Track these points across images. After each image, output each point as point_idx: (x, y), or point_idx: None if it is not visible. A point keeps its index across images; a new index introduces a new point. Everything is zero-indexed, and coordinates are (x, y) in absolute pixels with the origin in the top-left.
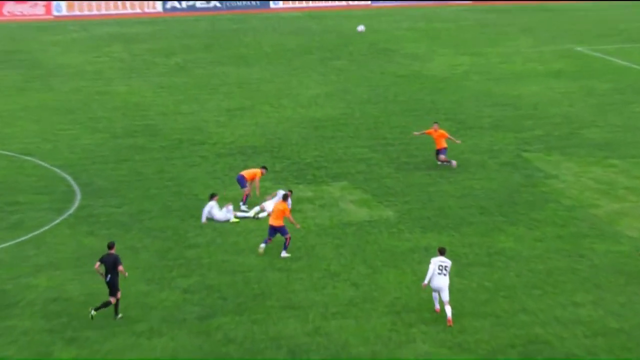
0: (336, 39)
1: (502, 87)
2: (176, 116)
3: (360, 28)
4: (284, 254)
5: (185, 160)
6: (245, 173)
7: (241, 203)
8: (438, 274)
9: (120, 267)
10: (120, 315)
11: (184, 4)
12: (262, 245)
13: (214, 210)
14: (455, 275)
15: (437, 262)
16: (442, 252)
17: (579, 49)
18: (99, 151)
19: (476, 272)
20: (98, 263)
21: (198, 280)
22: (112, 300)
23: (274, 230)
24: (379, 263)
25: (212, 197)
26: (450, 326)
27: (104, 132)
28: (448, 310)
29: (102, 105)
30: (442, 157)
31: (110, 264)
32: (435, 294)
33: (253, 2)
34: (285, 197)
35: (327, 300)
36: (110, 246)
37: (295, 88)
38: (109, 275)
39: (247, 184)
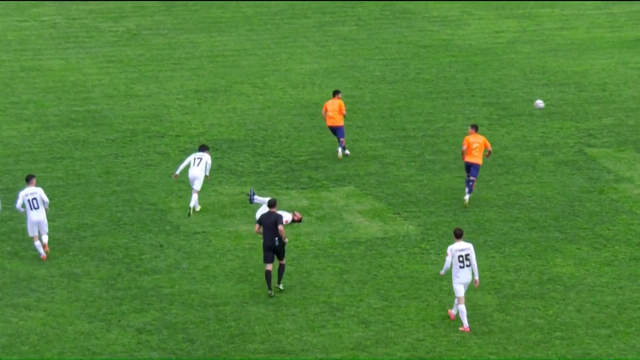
0: None
1: (560, 62)
2: (128, 100)
3: (540, 104)
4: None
5: (140, 159)
6: None
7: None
8: (460, 268)
9: (281, 227)
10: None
11: None
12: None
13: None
14: (496, 310)
15: (456, 251)
16: (458, 235)
17: None
18: (26, 146)
19: (524, 306)
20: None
21: (157, 317)
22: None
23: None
24: (395, 294)
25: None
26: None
27: (31, 121)
28: (463, 311)
29: (29, 85)
30: (471, 178)
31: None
32: (462, 307)
33: None
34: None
35: (327, 342)
36: (272, 204)
37: (285, 62)
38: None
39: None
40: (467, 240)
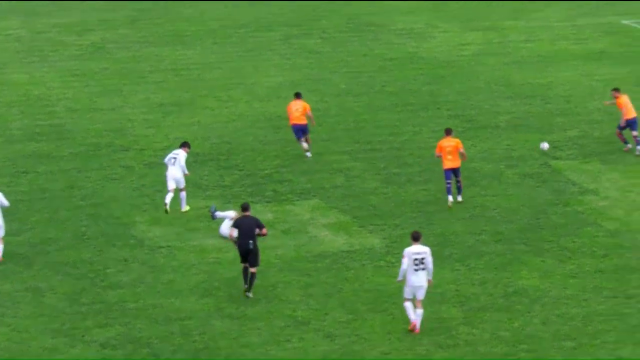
0: (304, 10)
1: (525, 74)
2: (92, 114)
3: (545, 146)
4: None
5: (104, 173)
6: None
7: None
8: (415, 270)
9: (265, 231)
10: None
11: None
12: None
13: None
14: (461, 323)
15: (412, 254)
16: (415, 238)
17: (626, 22)
18: None
19: (490, 319)
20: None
21: (121, 332)
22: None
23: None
24: (361, 307)
25: None
26: (416, 333)
27: None
28: (419, 314)
29: None
30: (459, 181)
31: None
32: (408, 303)
33: None
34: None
35: (292, 357)
36: (245, 208)
37: (250, 76)
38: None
39: None
40: (424, 244)
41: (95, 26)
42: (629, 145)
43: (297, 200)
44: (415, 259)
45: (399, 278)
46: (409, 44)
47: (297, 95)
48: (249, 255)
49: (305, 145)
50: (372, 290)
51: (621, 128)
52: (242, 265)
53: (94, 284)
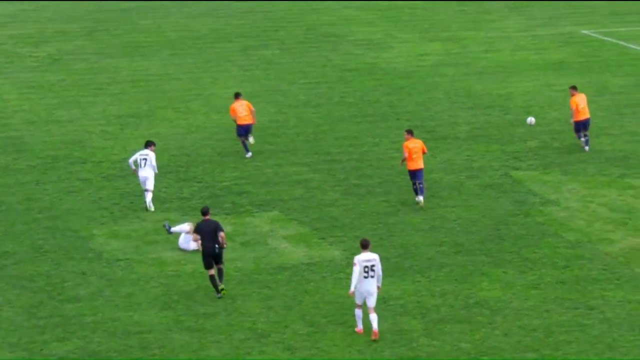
0: (263, 22)
1: (485, 84)
2: (49, 126)
3: (531, 120)
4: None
5: (62, 185)
6: None
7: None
8: (365, 278)
9: (222, 234)
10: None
11: None
12: None
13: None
14: (422, 334)
15: (362, 261)
16: (364, 245)
17: (585, 32)
18: None
19: (451, 331)
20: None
21: (79, 346)
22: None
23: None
24: (321, 319)
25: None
26: (375, 339)
27: None
28: (374, 319)
29: None
30: (420, 184)
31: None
32: (358, 311)
33: None
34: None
35: None
36: (205, 212)
37: (208, 87)
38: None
39: None
40: (373, 251)
41: (51, 37)
42: (587, 148)
43: (257, 212)
44: (365, 267)
45: (352, 288)
46: (368, 55)
47: (238, 96)
48: (214, 257)
49: (251, 140)
50: (332, 302)
51: (577, 129)
52: (208, 273)
53: (51, 298)
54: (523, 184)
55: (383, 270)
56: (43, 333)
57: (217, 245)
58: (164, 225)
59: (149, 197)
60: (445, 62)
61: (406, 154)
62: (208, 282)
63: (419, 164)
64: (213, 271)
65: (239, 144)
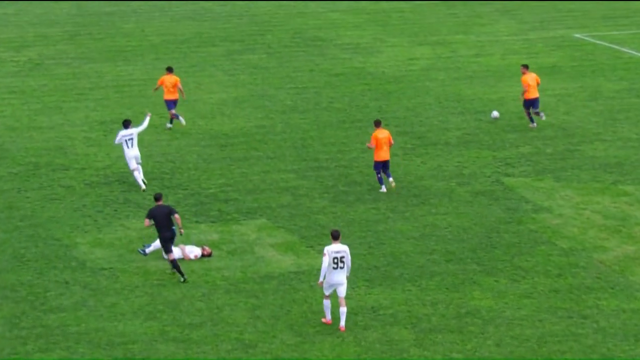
0: (248, 26)
1: (476, 89)
2: (31, 132)
3: (495, 114)
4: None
5: (43, 192)
6: None
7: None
8: (334, 269)
9: (177, 216)
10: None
11: None
12: None
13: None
14: (413, 345)
15: (332, 252)
16: (335, 236)
17: (578, 35)
18: None
19: (442, 341)
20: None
21: (63, 357)
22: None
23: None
24: (309, 329)
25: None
26: (342, 331)
27: None
28: (343, 313)
29: None
30: (389, 175)
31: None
32: (327, 302)
33: None
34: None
35: None
36: (158, 197)
37: (192, 92)
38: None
39: None
40: (343, 243)
41: (32, 42)
42: (535, 124)
43: (243, 219)
44: (335, 258)
45: (321, 278)
46: (356, 59)
47: (170, 70)
48: (172, 240)
49: (182, 120)
50: (321, 312)
51: (527, 107)
52: (169, 258)
53: (34, 308)
54: (515, 190)
55: (375, 281)
56: (25, 344)
57: (173, 228)
58: (139, 251)
59: (141, 174)
60: (435, 66)
61: (373, 145)
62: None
63: (387, 154)
64: (174, 255)
65: (226, 150)
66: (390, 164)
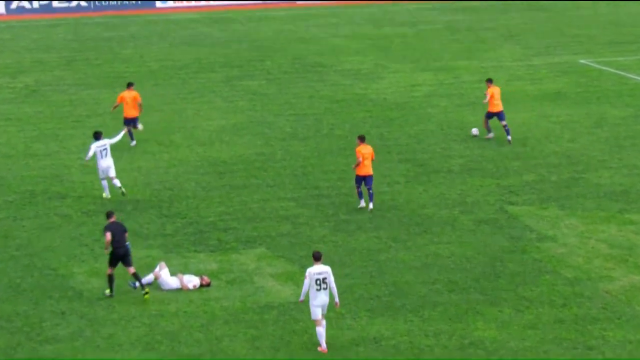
0: (248, 51)
1: (479, 116)
2: (27, 159)
3: (474, 132)
4: None
5: (39, 221)
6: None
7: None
8: (317, 290)
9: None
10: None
11: (35, 3)
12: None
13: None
14: None
15: (314, 274)
16: (317, 258)
17: (583, 61)
18: None
19: None
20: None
21: None
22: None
23: None
24: None
25: None
26: (324, 353)
27: None
28: (321, 333)
29: None
30: (370, 191)
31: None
32: (319, 329)
33: (132, 1)
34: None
35: None
36: (110, 215)
37: (191, 119)
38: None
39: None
40: (325, 264)
41: (29, 68)
42: (492, 134)
43: (243, 249)
44: (317, 279)
45: (301, 298)
46: (357, 85)
47: (130, 85)
48: (125, 257)
49: (140, 126)
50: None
51: (488, 117)
52: (108, 271)
53: (29, 339)
54: (519, 219)
55: (377, 311)
56: None
57: (127, 244)
58: (129, 284)
59: (118, 182)
60: (438, 92)
61: (360, 159)
62: (106, 284)
63: (368, 170)
64: (113, 270)
65: (224, 178)
66: (392, 192)
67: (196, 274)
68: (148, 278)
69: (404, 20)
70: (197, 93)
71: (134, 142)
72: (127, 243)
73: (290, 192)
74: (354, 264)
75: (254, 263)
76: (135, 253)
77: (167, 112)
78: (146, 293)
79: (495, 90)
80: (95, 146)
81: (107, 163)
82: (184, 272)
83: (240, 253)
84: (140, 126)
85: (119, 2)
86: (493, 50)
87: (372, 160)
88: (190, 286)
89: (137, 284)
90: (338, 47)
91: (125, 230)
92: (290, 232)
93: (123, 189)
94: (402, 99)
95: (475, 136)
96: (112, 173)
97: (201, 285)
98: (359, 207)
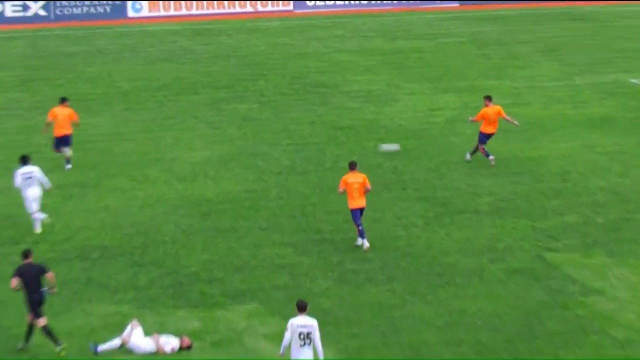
0: (237, 69)
1: (511, 145)
2: None
3: (393, 147)
4: None
5: None
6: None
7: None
8: (300, 346)
9: (51, 274)
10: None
11: None
12: None
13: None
14: None
15: (297, 326)
16: (301, 308)
17: (634, 81)
18: None
19: None
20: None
21: None
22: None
23: None
24: None
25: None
26: None
27: None
28: None
29: None
30: (360, 227)
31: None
32: None
33: (100, 9)
34: None
35: None
36: (27, 254)
37: (169, 149)
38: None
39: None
40: (311, 316)
41: None
42: (492, 157)
43: (231, 304)
44: (300, 333)
45: (281, 351)
46: (367, 109)
47: (63, 100)
48: (40, 306)
49: (68, 152)
50: None
51: (481, 142)
52: (39, 324)
53: None
54: (559, 268)
55: None
56: None
57: (42, 290)
58: (90, 346)
59: (39, 218)
60: (462, 117)
61: (341, 190)
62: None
63: (361, 201)
64: (44, 320)
65: (209, 220)
66: (408, 236)
67: (175, 335)
68: (113, 343)
69: (422, 32)
70: (177, 119)
71: (69, 166)
72: (43, 289)
73: (287, 237)
74: (363, 322)
75: (243, 321)
76: (102, 309)
77: (141, 141)
78: (62, 349)
79: (492, 111)
80: (20, 173)
81: (34, 192)
82: (160, 332)
83: (227, 309)
84: (68, 151)
85: (84, 9)
86: (528, 67)
87: (367, 191)
88: (168, 349)
89: (94, 346)
90: (343, 63)
91: (42, 273)
92: (287, 284)
93: (39, 230)
94: (419, 125)
95: (468, 161)
96: (35, 207)
97: (181, 348)
98: (355, 244)
